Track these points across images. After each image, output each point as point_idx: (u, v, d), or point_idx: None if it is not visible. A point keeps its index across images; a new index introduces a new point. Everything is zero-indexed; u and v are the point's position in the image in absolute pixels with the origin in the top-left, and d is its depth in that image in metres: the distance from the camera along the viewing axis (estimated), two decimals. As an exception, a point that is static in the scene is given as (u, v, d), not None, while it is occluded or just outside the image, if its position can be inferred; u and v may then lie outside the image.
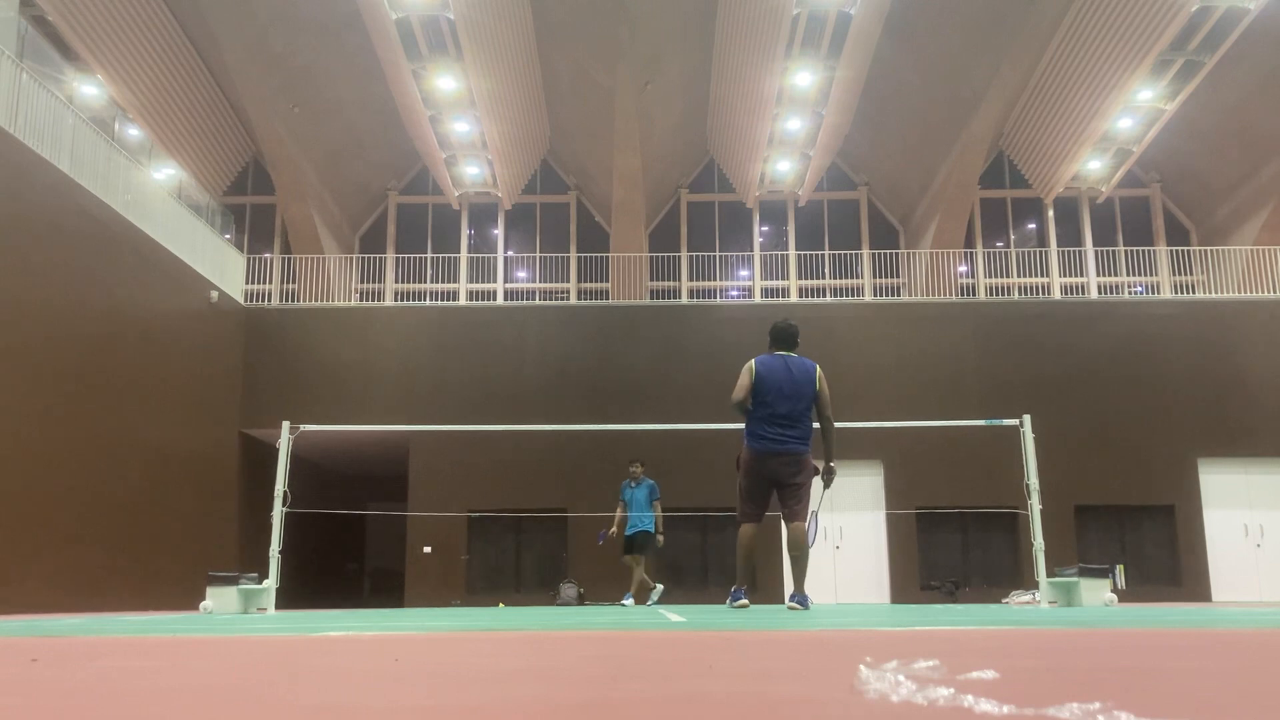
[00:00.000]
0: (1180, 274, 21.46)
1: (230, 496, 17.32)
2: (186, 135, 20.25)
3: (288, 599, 15.35)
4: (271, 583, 10.45)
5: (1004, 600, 14.93)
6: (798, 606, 6.96)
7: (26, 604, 11.68)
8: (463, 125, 19.97)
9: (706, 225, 22.73)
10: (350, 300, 21.49)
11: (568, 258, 22.32)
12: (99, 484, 13.45)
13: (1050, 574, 10.71)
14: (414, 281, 22.11)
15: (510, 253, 22.63)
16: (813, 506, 7.29)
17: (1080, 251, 21.92)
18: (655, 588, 12.18)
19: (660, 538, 12.31)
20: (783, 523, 7.26)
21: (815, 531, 7.30)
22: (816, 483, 7.28)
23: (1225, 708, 1.29)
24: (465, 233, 22.62)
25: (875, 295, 21.41)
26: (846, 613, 7.23)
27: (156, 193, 16.13)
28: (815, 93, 19.11)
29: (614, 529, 12.40)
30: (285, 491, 10.52)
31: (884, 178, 22.53)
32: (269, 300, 19.98)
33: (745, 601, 7.02)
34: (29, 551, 12.02)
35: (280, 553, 10.53)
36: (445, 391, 17.66)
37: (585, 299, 21.50)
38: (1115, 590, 11.28)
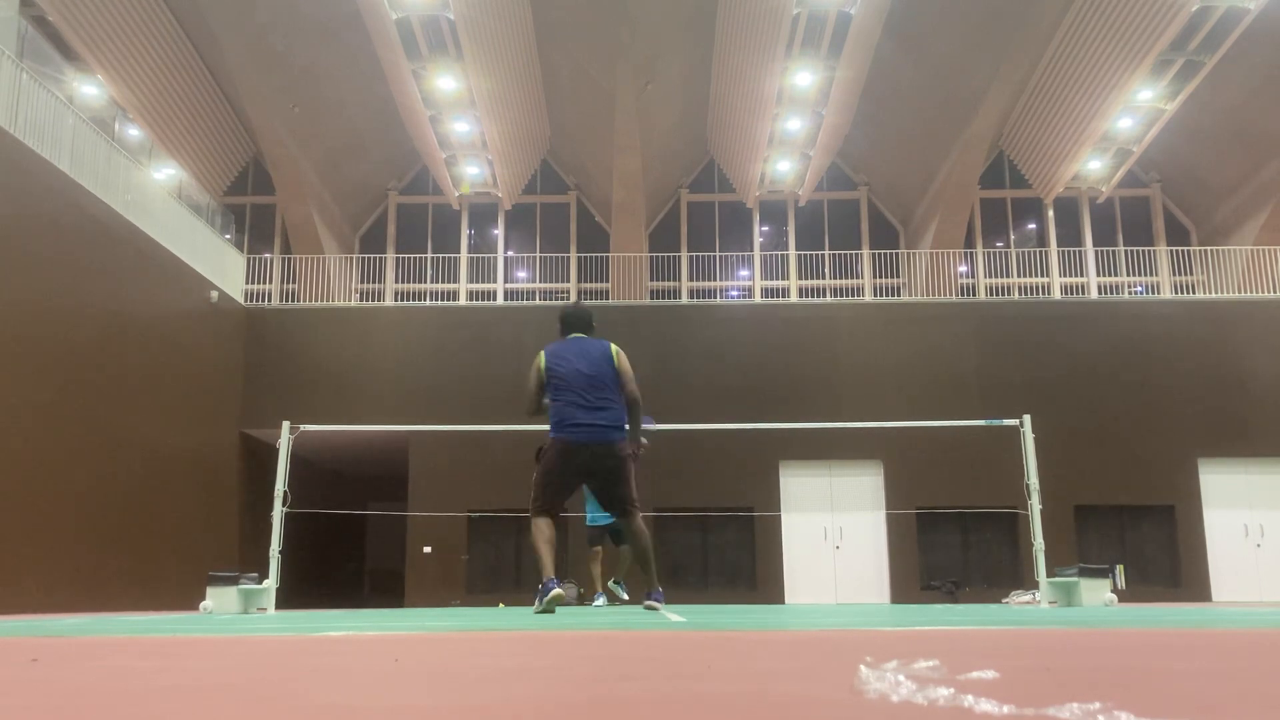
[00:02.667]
0: (1180, 274, 21.46)
1: (230, 496, 17.32)
2: (186, 135, 20.25)
3: (288, 599, 15.35)
4: (271, 583, 10.45)
5: (1004, 600, 14.93)
6: (655, 605, 6.58)
7: (26, 604, 11.68)
8: (463, 125, 19.97)
9: (706, 225, 22.73)
10: (350, 300, 21.49)
11: (568, 258, 22.32)
12: (99, 484, 13.45)
13: (1050, 574, 10.71)
14: (414, 281, 22.11)
15: (510, 253, 22.63)
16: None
17: (1080, 251, 21.93)
18: (601, 596, 11.65)
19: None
20: (621, 520, 6.59)
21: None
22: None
23: (1225, 708, 1.29)
24: (465, 233, 22.63)
25: (875, 295, 21.41)
26: (846, 613, 7.23)
27: (156, 193, 16.13)
28: (815, 93, 19.11)
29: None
30: (285, 491, 10.52)
31: (884, 178, 22.53)
32: (269, 300, 19.98)
33: (559, 591, 6.16)
34: (29, 551, 12.02)
35: (280, 553, 10.53)
36: (445, 391, 17.66)
37: (585, 299, 21.50)
38: (1115, 590, 11.28)
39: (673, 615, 6.46)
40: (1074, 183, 21.63)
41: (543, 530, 6.40)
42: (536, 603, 6.29)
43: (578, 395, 6.32)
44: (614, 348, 6.48)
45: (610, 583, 11.88)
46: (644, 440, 6.51)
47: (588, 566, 11.86)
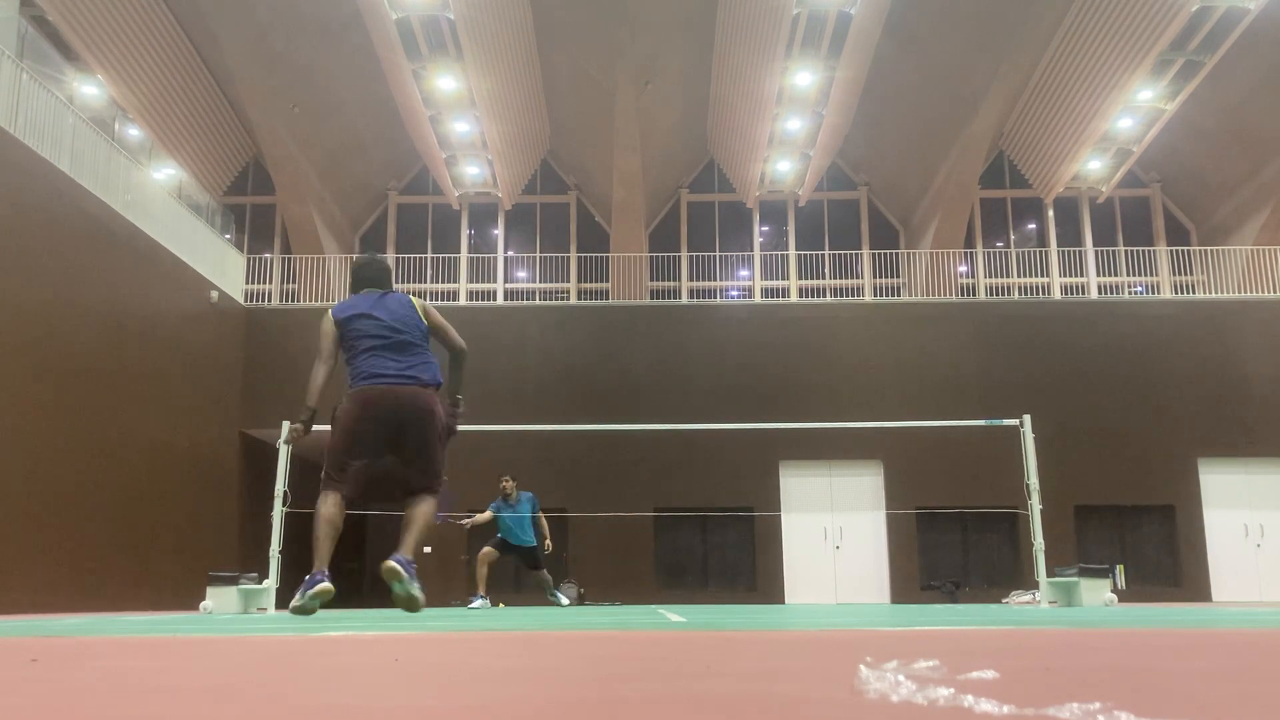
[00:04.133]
0: (1180, 274, 21.46)
1: (230, 496, 17.31)
2: (186, 135, 20.25)
3: (288, 599, 15.34)
4: (271, 583, 10.45)
5: (1004, 600, 14.93)
6: (397, 567, 5.00)
7: (26, 604, 11.68)
8: (463, 125, 19.97)
9: (706, 225, 22.73)
10: (350, 300, 21.47)
11: (568, 258, 22.32)
12: (99, 484, 13.44)
13: (1050, 574, 10.71)
14: (414, 282, 22.10)
15: (510, 253, 22.63)
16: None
17: (1080, 251, 21.93)
18: (483, 599, 11.56)
19: (548, 544, 11.84)
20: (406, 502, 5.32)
21: (447, 502, 5.80)
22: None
23: (1225, 708, 1.29)
24: (465, 233, 22.62)
25: (875, 295, 21.41)
26: (846, 613, 7.24)
27: (156, 193, 16.13)
28: (815, 93, 19.11)
29: (468, 523, 11.89)
30: (285, 491, 10.52)
31: (884, 178, 22.53)
32: (269, 300, 19.97)
33: (327, 586, 5.02)
34: (29, 551, 12.02)
35: (280, 553, 10.53)
36: (445, 391, 17.63)
37: (585, 299, 21.50)
38: (1115, 590, 11.29)
39: (673, 615, 6.46)
40: (1074, 183, 21.63)
41: (327, 508, 5.17)
42: (299, 595, 5.00)
43: (382, 345, 5.20)
44: (416, 300, 5.42)
45: (549, 596, 11.95)
46: (460, 410, 5.48)
47: (478, 568, 11.78)
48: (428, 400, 5.17)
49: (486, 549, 11.83)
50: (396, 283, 22.08)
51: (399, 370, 5.16)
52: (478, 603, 11.59)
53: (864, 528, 17.21)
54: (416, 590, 5.01)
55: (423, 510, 5.22)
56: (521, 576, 17.62)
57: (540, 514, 11.81)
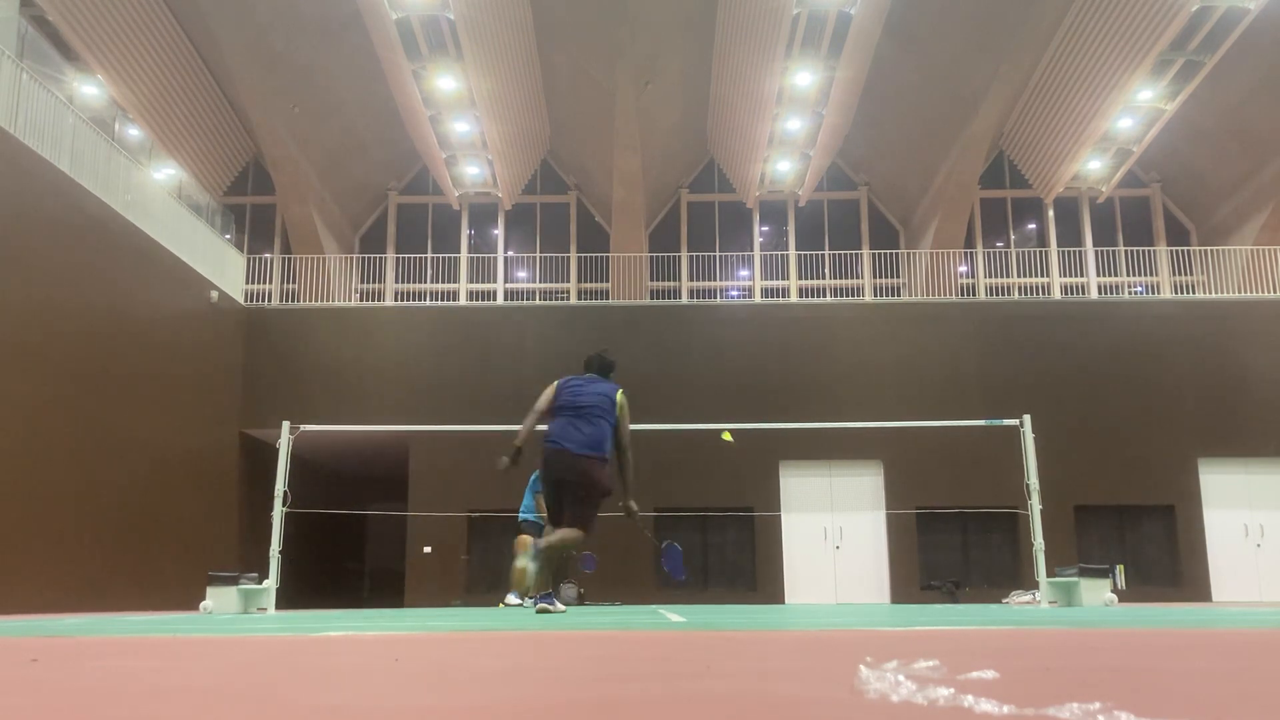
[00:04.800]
0: (1180, 274, 21.46)
1: (230, 496, 17.32)
2: (186, 135, 20.25)
3: (288, 599, 15.34)
4: (271, 583, 10.45)
5: (1004, 600, 14.93)
6: (548, 608, 6.70)
7: (26, 604, 11.68)
8: (463, 125, 19.97)
9: (706, 225, 22.73)
10: (350, 300, 21.49)
11: (568, 258, 22.32)
12: (99, 484, 13.44)
13: (1050, 574, 10.71)
14: (414, 281, 22.11)
15: (510, 253, 22.63)
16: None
17: (1080, 251, 21.92)
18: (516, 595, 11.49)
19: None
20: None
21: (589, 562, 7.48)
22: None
23: (1225, 708, 1.29)
24: (465, 233, 22.63)
25: (875, 295, 21.41)
26: (846, 613, 7.24)
27: (156, 193, 16.13)
28: (815, 93, 19.11)
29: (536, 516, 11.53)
30: (285, 491, 10.52)
31: (884, 178, 22.53)
32: (269, 300, 19.97)
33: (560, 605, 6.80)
34: (29, 551, 12.02)
35: (280, 553, 10.53)
36: (445, 391, 17.65)
37: (585, 299, 21.50)
38: (1115, 590, 11.29)
39: (673, 615, 6.46)
40: (1074, 183, 21.63)
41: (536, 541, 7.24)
42: (548, 603, 6.73)
43: (569, 417, 6.91)
44: (620, 394, 7.06)
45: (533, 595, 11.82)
46: (635, 509, 7.14)
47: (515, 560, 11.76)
48: (587, 466, 6.76)
49: (521, 536, 11.71)
50: (396, 282, 22.07)
51: (580, 440, 6.79)
52: (514, 599, 11.57)
53: (864, 528, 17.21)
54: (532, 567, 6.86)
55: (569, 532, 6.77)
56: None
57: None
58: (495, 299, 21.91)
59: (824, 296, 21.42)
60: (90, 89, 18.59)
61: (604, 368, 7.31)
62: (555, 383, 7.15)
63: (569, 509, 6.80)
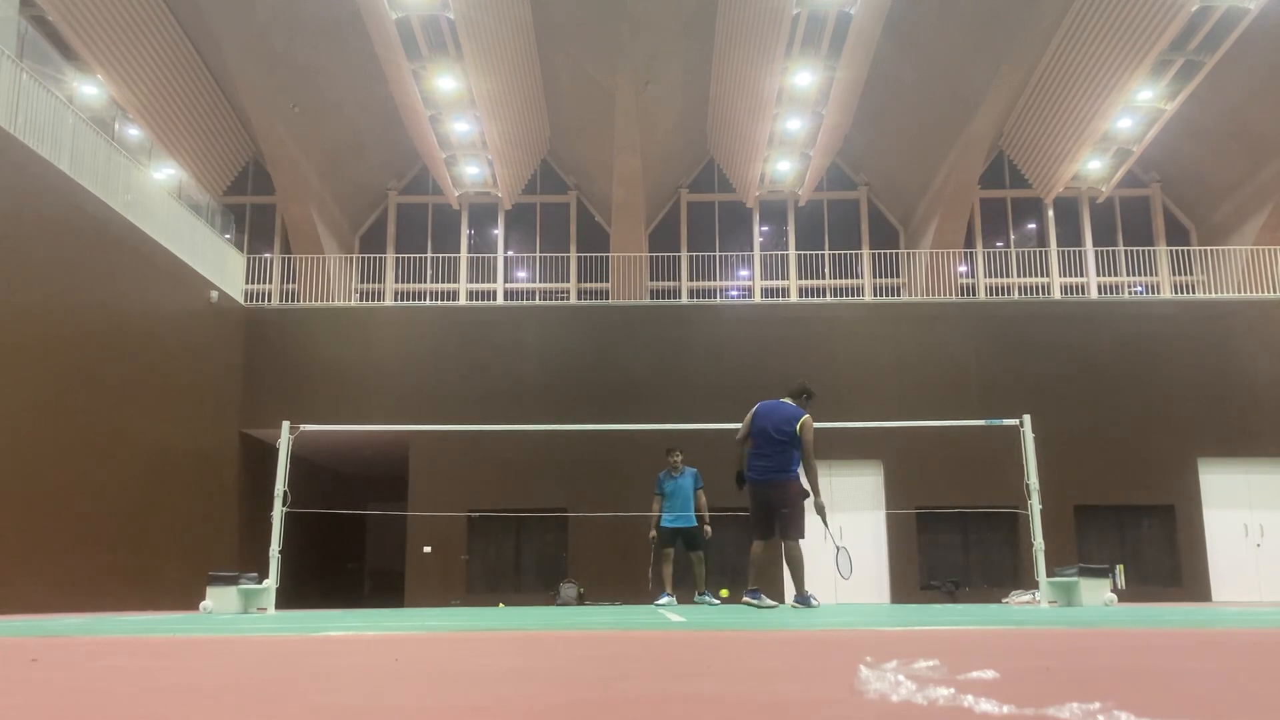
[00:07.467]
0: (1180, 274, 21.46)
1: (230, 496, 17.32)
2: (186, 135, 20.24)
3: (288, 599, 15.34)
4: (271, 583, 10.45)
5: (1004, 600, 14.93)
6: (800, 605, 8.39)
7: (26, 604, 11.68)
8: (463, 125, 19.96)
9: (706, 225, 22.73)
10: (350, 300, 21.48)
11: (568, 258, 22.32)
12: (99, 484, 13.44)
13: (1050, 574, 10.71)
14: (414, 281, 22.11)
15: (510, 253, 22.63)
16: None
17: (1080, 251, 21.92)
18: (669, 597, 11.76)
19: (707, 529, 11.86)
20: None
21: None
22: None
23: (1225, 708, 1.29)
24: (465, 233, 22.62)
25: (875, 295, 21.41)
26: (846, 613, 7.24)
27: (156, 193, 16.13)
28: (815, 93, 19.10)
29: (653, 531, 11.84)
30: (285, 491, 10.52)
31: (884, 178, 22.53)
32: (269, 300, 19.97)
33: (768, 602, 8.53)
34: (29, 551, 12.02)
35: (280, 553, 10.53)
36: (445, 391, 17.65)
37: (585, 299, 21.50)
38: (1115, 590, 11.29)
39: (673, 615, 6.46)
40: (1074, 183, 21.62)
41: (754, 550, 8.61)
42: (751, 599, 8.49)
43: (765, 442, 8.39)
44: (804, 419, 8.33)
45: (696, 595, 11.97)
46: (823, 505, 8.38)
47: (659, 567, 11.96)
48: (773, 490, 8.33)
49: (665, 550, 11.86)
50: (396, 282, 22.07)
51: (763, 468, 8.37)
52: (665, 599, 11.70)
53: (864, 528, 17.21)
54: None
55: (792, 554, 8.39)
56: (523, 577, 17.62)
57: (702, 490, 11.89)
58: (495, 299, 21.91)
59: (824, 296, 21.41)
60: (90, 89, 18.59)
61: (795, 393, 8.62)
62: (752, 410, 8.56)
63: (776, 524, 8.32)
